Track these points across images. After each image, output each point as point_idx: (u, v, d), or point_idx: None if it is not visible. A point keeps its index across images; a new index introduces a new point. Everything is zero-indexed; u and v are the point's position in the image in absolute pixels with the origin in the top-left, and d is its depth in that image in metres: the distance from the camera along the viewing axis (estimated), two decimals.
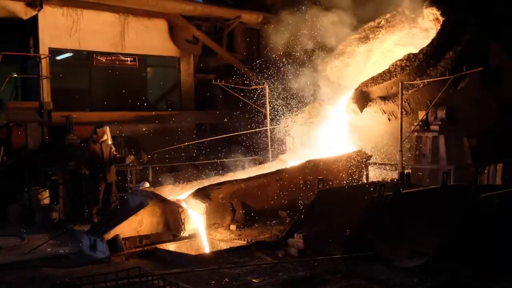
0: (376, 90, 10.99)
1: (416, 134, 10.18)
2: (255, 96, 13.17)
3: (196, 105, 16.44)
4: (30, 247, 8.30)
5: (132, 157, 10.38)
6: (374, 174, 11.07)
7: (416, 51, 11.01)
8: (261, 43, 17.87)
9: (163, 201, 8.34)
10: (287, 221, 8.81)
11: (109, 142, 10.19)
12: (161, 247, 7.76)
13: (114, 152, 10.18)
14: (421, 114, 10.20)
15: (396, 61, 10.90)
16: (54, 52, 13.99)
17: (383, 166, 10.98)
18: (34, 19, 13.53)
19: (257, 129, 12.75)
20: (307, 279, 6.10)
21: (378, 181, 9.50)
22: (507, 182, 9.48)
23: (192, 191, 8.80)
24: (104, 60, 14.81)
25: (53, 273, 6.90)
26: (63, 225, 9.97)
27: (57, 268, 7.18)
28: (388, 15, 12.61)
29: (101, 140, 9.96)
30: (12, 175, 11.55)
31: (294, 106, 13.30)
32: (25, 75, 14.27)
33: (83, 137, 11.77)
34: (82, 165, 9.86)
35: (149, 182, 10.95)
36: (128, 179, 11.49)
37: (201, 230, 8.18)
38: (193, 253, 7.75)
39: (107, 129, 10.14)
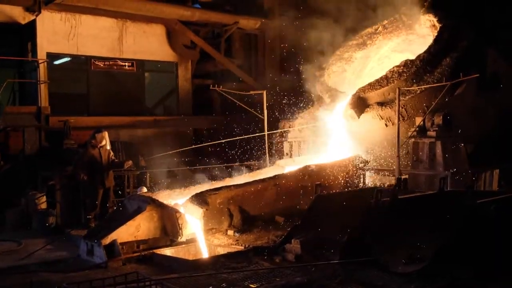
0: (374, 96, 11.02)
1: (413, 140, 10.20)
2: (253, 101, 13.19)
3: (193, 110, 16.47)
4: (27, 252, 8.27)
5: (130, 162, 10.39)
6: (372, 180, 11.09)
7: (413, 57, 11.04)
8: (258, 49, 17.94)
9: (160, 206, 8.34)
10: (285, 226, 8.81)
11: (108, 147, 10.19)
12: (158, 252, 7.75)
13: (113, 157, 10.19)
14: (418, 120, 10.22)
15: (393, 67, 10.93)
16: (52, 56, 14.00)
17: (380, 171, 11.01)
18: (32, 23, 13.55)
19: (255, 135, 12.76)
20: (305, 285, 6.10)
21: (375, 187, 9.52)
22: (503, 187, 9.51)
23: (190, 196, 8.80)
24: (102, 65, 14.83)
25: (50, 278, 6.89)
26: (60, 230, 9.95)
27: (54, 273, 7.16)
28: (385, 22, 12.66)
29: (100, 145, 9.96)
30: (9, 179, 11.54)
31: (291, 111, 13.34)
32: (23, 79, 14.27)
33: (81, 141, 11.78)
34: (80, 170, 9.86)
35: (146, 187, 10.95)
36: (126, 184, 11.49)
37: (199, 235, 8.18)
38: (191, 258, 7.74)
39: (106, 134, 10.15)
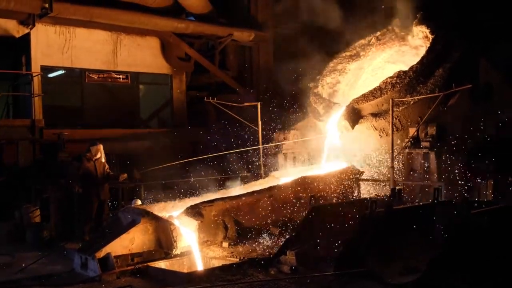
0: (367, 107, 11.06)
1: (407, 150, 10.24)
2: (248, 113, 13.20)
3: (188, 122, 16.46)
4: (21, 266, 8.22)
5: (125, 175, 10.37)
6: (366, 191, 11.10)
7: (406, 68, 11.11)
8: (253, 61, 18.00)
9: (155, 218, 8.32)
10: (280, 238, 8.80)
11: (103, 160, 10.17)
12: (153, 265, 7.71)
13: (108, 170, 10.18)
14: (412, 131, 10.27)
15: (387, 79, 10.99)
16: (46, 69, 13.99)
17: (374, 182, 11.02)
18: (27, 37, 13.54)
19: (250, 148, 12.76)
20: None
21: (370, 198, 9.53)
22: (497, 198, 9.53)
23: (184, 208, 8.78)
24: (96, 77, 14.82)
25: None
26: (54, 243, 9.90)
27: (47, 287, 7.11)
28: (378, 33, 12.75)
29: (95, 158, 9.96)
30: (3, 192, 11.48)
31: (286, 123, 13.36)
32: (17, 92, 14.26)
33: (75, 154, 11.74)
34: (75, 182, 9.84)
35: (141, 199, 10.91)
36: (120, 196, 11.45)
37: (194, 247, 8.15)
38: (185, 271, 7.71)
39: (101, 147, 10.14)
